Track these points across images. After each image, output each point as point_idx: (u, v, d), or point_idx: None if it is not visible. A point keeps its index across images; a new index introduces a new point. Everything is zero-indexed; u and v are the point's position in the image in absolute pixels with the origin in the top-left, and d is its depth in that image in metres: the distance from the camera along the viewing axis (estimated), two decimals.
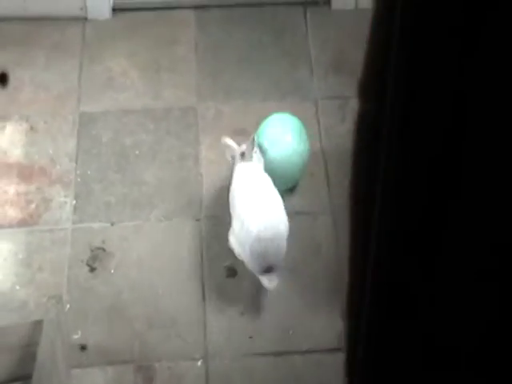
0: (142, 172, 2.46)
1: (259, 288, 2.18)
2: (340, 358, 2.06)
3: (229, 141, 2.26)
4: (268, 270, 2.09)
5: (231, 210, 2.21)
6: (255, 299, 2.19)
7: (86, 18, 2.84)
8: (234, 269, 2.24)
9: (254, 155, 2.22)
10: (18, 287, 2.21)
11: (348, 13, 2.89)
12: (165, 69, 2.72)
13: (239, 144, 2.26)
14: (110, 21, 2.85)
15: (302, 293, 2.20)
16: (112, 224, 2.34)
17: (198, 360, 2.09)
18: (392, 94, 0.89)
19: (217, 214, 2.35)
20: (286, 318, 2.16)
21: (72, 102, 2.62)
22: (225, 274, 2.23)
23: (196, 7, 2.89)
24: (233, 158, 2.26)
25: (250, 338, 2.13)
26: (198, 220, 2.35)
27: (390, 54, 0.88)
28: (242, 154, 2.23)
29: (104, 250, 2.28)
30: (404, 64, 0.87)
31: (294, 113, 2.57)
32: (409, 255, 0.96)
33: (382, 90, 0.90)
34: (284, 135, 2.33)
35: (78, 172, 2.45)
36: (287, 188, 2.35)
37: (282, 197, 2.18)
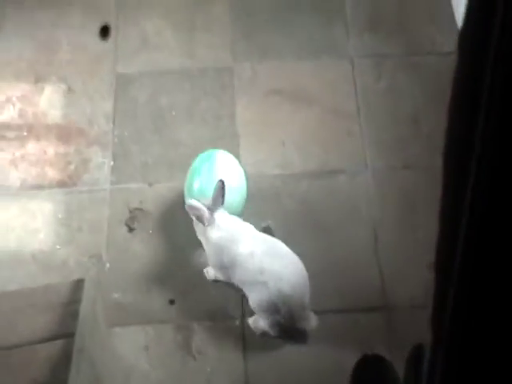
0: (179, 132, 2.46)
1: None
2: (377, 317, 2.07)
3: (195, 202, 2.01)
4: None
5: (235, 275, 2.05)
6: None
7: None
8: (269, 228, 2.24)
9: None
10: (58, 247, 2.24)
11: None
12: (199, 28, 2.71)
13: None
14: None
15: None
16: (149, 185, 2.35)
17: (236, 319, 2.11)
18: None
19: (253, 172, 2.35)
20: None
21: (108, 63, 2.62)
22: None
23: None
24: (199, 218, 2.02)
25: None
26: None
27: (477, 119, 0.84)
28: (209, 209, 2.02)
29: (142, 210, 2.30)
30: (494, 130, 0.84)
31: (330, 71, 2.55)
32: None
33: (466, 159, 0.86)
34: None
35: (116, 133, 2.46)
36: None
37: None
